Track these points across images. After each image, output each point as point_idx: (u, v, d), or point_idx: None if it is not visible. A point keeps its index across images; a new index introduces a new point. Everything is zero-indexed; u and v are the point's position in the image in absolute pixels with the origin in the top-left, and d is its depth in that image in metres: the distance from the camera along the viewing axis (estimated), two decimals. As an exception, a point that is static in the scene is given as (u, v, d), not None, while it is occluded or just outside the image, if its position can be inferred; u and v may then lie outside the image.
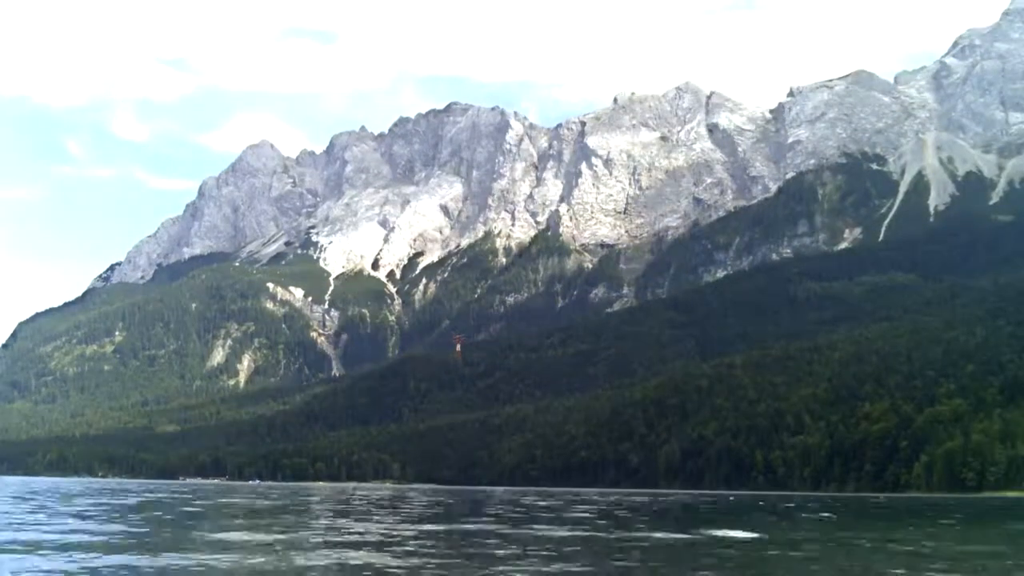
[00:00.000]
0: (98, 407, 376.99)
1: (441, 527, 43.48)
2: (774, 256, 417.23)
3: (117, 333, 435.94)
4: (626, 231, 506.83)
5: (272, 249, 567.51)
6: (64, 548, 27.98)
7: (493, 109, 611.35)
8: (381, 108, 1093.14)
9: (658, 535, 39.21)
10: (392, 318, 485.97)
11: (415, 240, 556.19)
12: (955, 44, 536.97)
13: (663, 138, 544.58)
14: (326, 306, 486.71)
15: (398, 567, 24.74)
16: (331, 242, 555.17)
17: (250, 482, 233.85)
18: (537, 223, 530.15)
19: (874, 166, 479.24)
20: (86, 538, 32.23)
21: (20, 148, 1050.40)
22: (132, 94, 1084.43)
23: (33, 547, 28.03)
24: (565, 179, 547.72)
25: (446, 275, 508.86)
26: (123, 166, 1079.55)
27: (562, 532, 39.92)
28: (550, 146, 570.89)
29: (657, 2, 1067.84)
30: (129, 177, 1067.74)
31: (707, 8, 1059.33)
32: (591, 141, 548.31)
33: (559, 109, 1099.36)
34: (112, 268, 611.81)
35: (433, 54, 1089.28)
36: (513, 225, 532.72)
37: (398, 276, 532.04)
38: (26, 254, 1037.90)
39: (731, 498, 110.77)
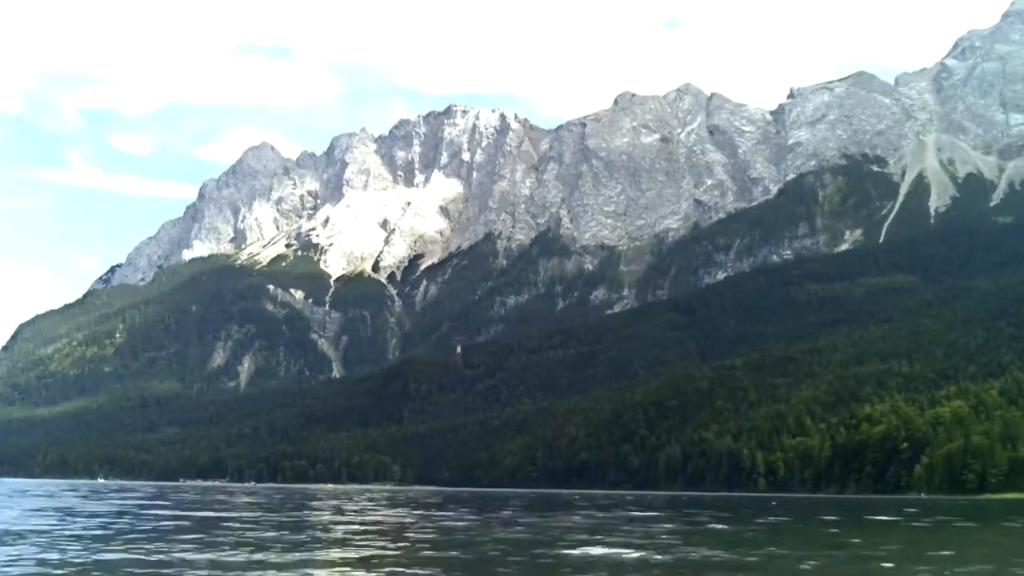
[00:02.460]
0: (98, 409, 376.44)
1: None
2: (774, 258, 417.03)
3: (117, 335, 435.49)
4: (626, 233, 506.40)
5: (272, 251, 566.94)
6: None
7: (493, 111, 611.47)
8: (377, 118, 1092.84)
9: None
10: (392, 320, 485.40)
11: (415, 242, 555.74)
12: (955, 46, 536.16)
13: (663, 140, 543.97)
14: (327, 308, 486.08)
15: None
16: (331, 244, 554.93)
17: (247, 484, 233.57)
18: (537, 225, 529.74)
19: (875, 168, 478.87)
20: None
21: (19, 158, 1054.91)
22: (128, 106, 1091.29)
23: None
24: (565, 181, 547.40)
25: (446, 277, 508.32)
26: (121, 174, 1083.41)
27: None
28: (550, 148, 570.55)
29: (658, 3, 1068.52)
30: (127, 184, 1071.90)
31: (708, 9, 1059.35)
32: (591, 143, 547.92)
33: (559, 111, 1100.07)
34: (112, 270, 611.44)
35: (431, 64, 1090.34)
36: (513, 227, 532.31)
37: (398, 278, 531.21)
38: (27, 258, 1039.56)
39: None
